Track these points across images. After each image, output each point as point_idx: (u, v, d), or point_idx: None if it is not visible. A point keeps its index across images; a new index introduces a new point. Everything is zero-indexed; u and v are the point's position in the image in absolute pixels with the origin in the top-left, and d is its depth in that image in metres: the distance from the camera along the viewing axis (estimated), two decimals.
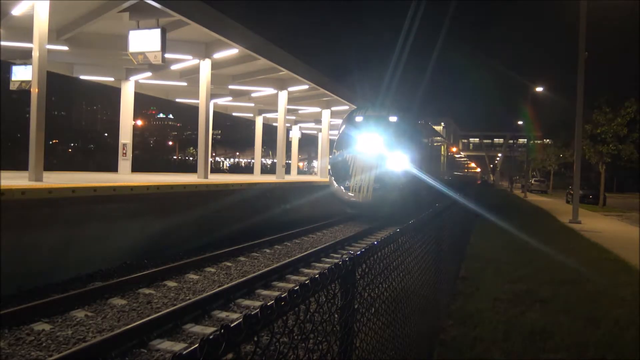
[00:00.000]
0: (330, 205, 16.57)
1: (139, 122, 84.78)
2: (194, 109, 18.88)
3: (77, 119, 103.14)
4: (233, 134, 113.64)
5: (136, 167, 19.66)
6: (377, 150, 14.87)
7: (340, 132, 16.32)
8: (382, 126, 15.22)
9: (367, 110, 16.24)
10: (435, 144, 21.67)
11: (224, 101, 22.31)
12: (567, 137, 35.62)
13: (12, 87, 13.19)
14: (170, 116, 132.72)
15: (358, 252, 1.95)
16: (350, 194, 14.83)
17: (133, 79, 17.23)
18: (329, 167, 16.29)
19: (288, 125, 27.72)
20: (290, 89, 19.18)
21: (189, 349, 1.25)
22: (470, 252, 9.80)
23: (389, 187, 14.43)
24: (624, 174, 47.15)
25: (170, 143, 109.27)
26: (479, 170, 68.57)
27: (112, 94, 21.13)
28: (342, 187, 15.12)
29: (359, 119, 15.89)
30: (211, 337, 0.96)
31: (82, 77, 17.12)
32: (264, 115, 26.42)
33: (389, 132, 15.10)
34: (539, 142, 57.04)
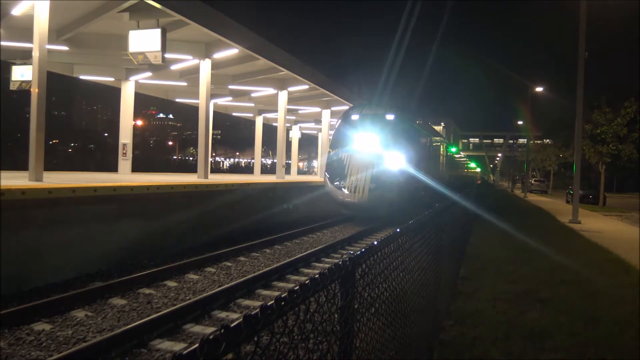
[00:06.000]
0: (330, 205, 16.50)
1: (139, 122, 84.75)
2: (194, 109, 18.89)
3: (77, 119, 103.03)
4: (233, 134, 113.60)
5: (136, 167, 19.66)
6: (373, 149, 14.43)
7: (336, 130, 15.97)
8: (379, 124, 14.82)
9: (364, 108, 15.84)
10: (434, 143, 21.51)
11: (224, 101, 22.33)
12: (567, 137, 35.65)
13: (12, 87, 13.18)
14: (170, 116, 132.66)
15: (358, 252, 1.96)
16: (345, 193, 14.33)
17: (133, 79, 17.24)
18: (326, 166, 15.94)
19: (288, 125, 27.73)
20: (290, 89, 19.18)
21: (189, 349, 1.25)
22: (470, 252, 9.80)
23: (386, 187, 13.95)
24: (624, 174, 47.15)
25: (171, 143, 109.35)
26: (478, 170, 68.53)
27: (112, 94, 21.13)
28: (337, 187, 14.59)
29: (355, 117, 15.49)
30: (211, 337, 0.96)
31: (82, 77, 17.13)
32: (264, 115, 26.43)
33: (386, 130, 14.69)
34: (538, 142, 57.05)
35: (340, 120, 16.29)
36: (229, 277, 7.97)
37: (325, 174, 15.63)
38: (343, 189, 14.41)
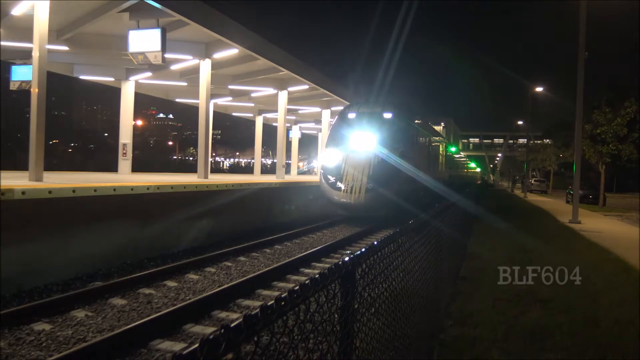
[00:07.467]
0: (327, 205, 16.40)
1: (139, 122, 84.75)
2: (194, 109, 18.89)
3: (77, 119, 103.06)
4: (233, 134, 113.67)
5: (136, 167, 19.66)
6: (371, 148, 14.11)
7: (333, 129, 15.68)
8: (377, 123, 14.53)
9: (361, 106, 15.57)
10: (433, 143, 21.39)
11: (224, 101, 22.32)
12: (567, 137, 35.65)
13: (12, 87, 13.17)
14: (170, 116, 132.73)
15: (358, 252, 1.96)
16: (342, 193, 13.91)
17: (133, 79, 17.23)
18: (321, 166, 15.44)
19: (288, 125, 27.73)
20: (290, 89, 19.17)
21: (189, 349, 1.25)
22: (470, 252, 9.79)
23: (384, 187, 13.55)
24: (624, 174, 47.15)
25: (170, 143, 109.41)
26: (478, 170, 68.52)
27: (112, 94, 21.13)
28: (333, 187, 14.19)
29: (352, 115, 15.22)
30: (211, 337, 0.96)
31: (82, 77, 17.12)
32: (264, 115, 26.42)
33: (383, 129, 14.41)
34: (538, 142, 57.08)
35: (336, 119, 16.01)
36: (229, 277, 7.97)
37: (320, 173, 15.27)
38: (339, 189, 14.03)
